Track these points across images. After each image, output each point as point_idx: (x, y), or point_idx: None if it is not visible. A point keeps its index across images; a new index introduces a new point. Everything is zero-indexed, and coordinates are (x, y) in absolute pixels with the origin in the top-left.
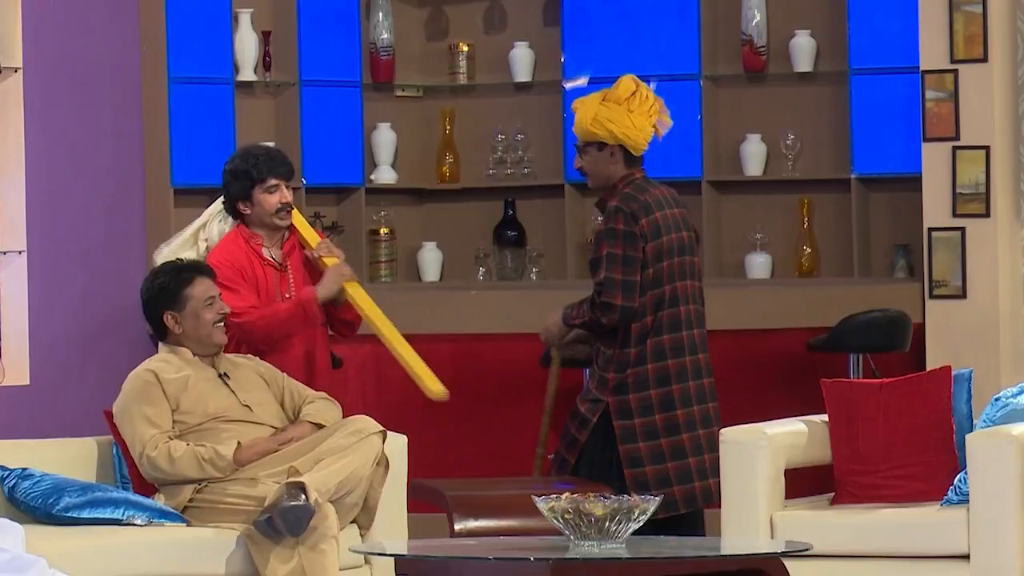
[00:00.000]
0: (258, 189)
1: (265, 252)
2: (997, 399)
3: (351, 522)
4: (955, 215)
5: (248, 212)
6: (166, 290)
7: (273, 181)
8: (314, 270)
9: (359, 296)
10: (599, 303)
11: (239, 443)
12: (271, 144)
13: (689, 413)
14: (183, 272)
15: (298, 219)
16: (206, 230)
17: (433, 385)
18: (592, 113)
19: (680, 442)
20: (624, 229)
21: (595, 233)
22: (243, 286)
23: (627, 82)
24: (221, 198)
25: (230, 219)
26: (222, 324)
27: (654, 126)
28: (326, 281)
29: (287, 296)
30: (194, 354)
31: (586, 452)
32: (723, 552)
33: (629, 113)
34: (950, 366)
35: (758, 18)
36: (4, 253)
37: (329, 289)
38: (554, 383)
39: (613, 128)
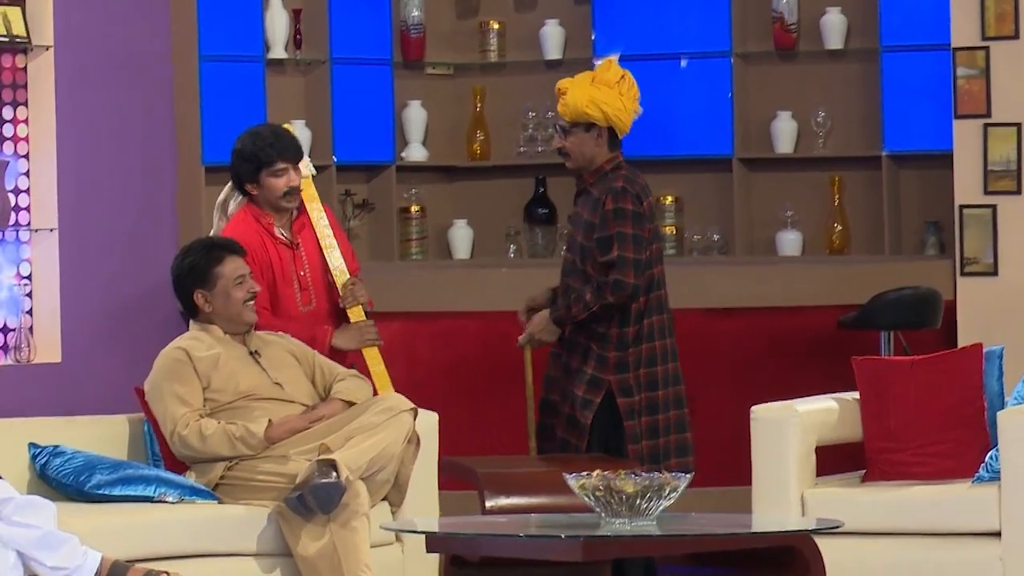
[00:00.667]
0: (265, 172)
1: (276, 231)
2: None
3: (382, 499)
4: (986, 192)
5: (255, 193)
6: (196, 269)
7: (281, 165)
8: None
9: (373, 361)
10: (611, 282)
11: (270, 421)
12: (289, 125)
13: (667, 394)
14: (213, 250)
15: (315, 216)
16: (233, 203)
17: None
18: (587, 95)
19: (669, 419)
20: (633, 209)
21: (599, 214)
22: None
23: (615, 65)
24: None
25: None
26: (252, 302)
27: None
28: (347, 337)
29: (302, 274)
30: (225, 332)
31: (594, 432)
32: (754, 529)
33: (620, 96)
34: (981, 343)
35: None
36: (36, 231)
37: (347, 344)
38: (530, 373)
39: (607, 110)
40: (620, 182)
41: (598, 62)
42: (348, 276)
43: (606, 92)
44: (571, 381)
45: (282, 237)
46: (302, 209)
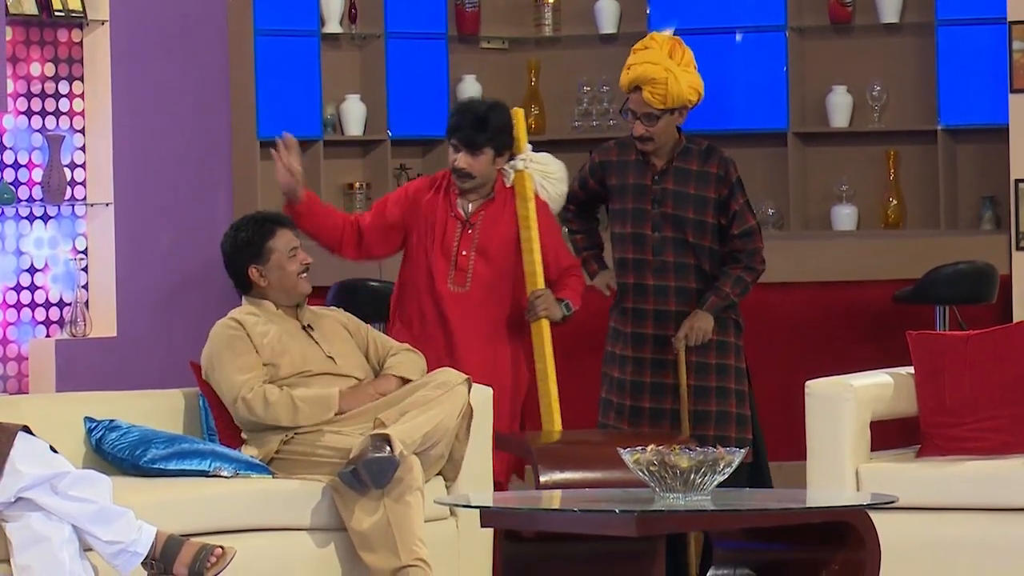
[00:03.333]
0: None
1: (458, 203)
2: None
3: (436, 474)
4: None
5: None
6: (250, 244)
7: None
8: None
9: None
10: (758, 250)
11: (340, 391)
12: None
13: None
14: (265, 224)
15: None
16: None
17: None
18: (687, 80)
19: None
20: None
21: (725, 185)
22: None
23: (682, 43)
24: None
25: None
26: (306, 274)
27: None
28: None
29: (463, 254)
30: (278, 307)
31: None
32: (808, 504)
33: (697, 73)
34: None
35: None
36: (92, 205)
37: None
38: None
39: (701, 91)
40: (724, 151)
41: (654, 39)
42: (538, 287)
43: (695, 74)
44: (708, 353)
45: (460, 210)
46: (498, 192)
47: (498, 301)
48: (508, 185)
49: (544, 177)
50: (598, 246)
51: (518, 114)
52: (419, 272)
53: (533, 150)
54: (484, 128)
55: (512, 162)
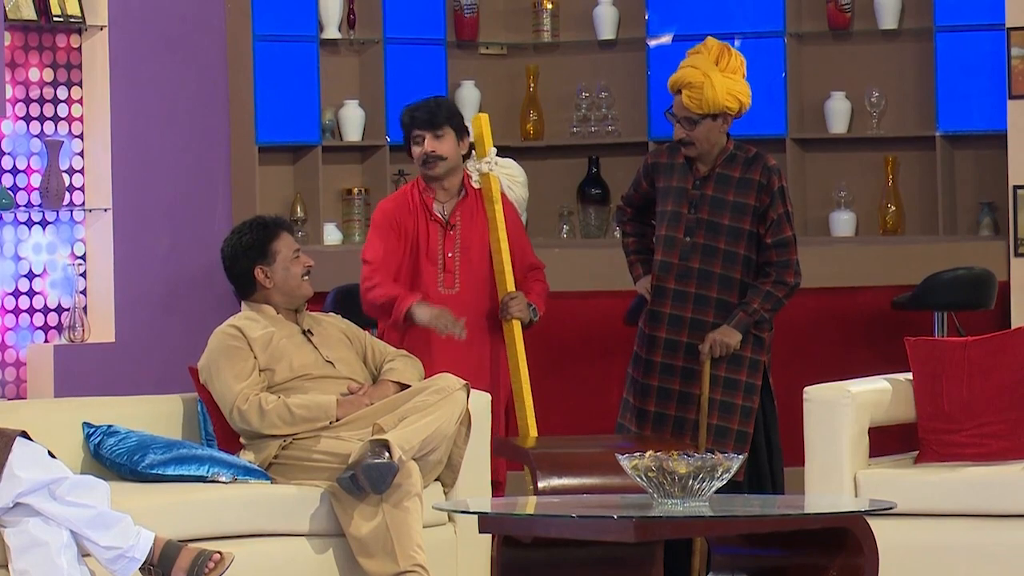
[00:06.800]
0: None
1: (435, 207)
2: None
3: (435, 480)
4: None
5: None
6: (255, 245)
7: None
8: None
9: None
10: (794, 262)
11: (338, 398)
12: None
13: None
14: (267, 227)
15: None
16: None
17: None
18: (725, 87)
19: None
20: (786, 187)
21: (767, 194)
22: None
23: (733, 50)
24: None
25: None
26: (308, 276)
27: None
28: (423, 312)
29: (449, 255)
30: (278, 311)
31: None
32: (806, 511)
33: (744, 80)
34: None
35: None
36: (90, 211)
37: (421, 318)
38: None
39: (743, 99)
40: (771, 160)
41: (705, 44)
42: (508, 286)
43: (739, 80)
44: (720, 366)
45: (438, 214)
46: (470, 191)
47: (487, 300)
48: (476, 187)
49: (511, 180)
50: (648, 250)
51: (483, 118)
52: (407, 279)
53: (497, 154)
54: (439, 109)
55: (478, 165)
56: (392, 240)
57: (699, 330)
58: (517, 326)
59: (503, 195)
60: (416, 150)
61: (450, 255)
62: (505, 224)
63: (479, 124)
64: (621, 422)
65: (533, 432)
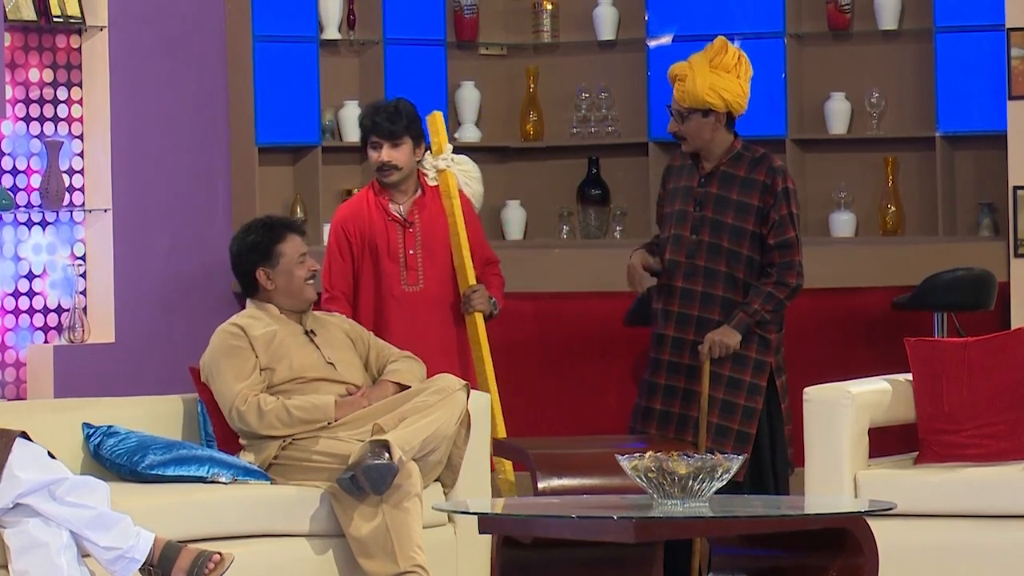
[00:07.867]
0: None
1: (391, 207)
2: None
3: (435, 480)
4: None
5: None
6: (259, 246)
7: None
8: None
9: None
10: (797, 263)
11: (336, 399)
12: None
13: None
14: (274, 228)
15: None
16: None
17: None
18: (708, 81)
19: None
20: (795, 188)
21: (770, 194)
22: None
23: (731, 48)
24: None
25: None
26: (313, 281)
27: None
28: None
29: (411, 253)
30: (282, 311)
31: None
32: (806, 511)
33: (738, 80)
34: None
35: None
36: (90, 211)
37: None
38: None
39: (727, 96)
40: (777, 160)
41: (713, 44)
42: (468, 280)
43: (726, 78)
44: (724, 365)
45: (396, 214)
46: (426, 189)
47: (451, 294)
48: (432, 184)
49: (466, 176)
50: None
51: (438, 117)
52: (370, 281)
53: (452, 151)
54: (399, 118)
55: (435, 162)
56: (338, 261)
57: (705, 328)
58: (480, 319)
59: (460, 191)
60: (373, 155)
61: (411, 252)
62: (463, 219)
63: (434, 123)
64: (632, 424)
65: (500, 423)
